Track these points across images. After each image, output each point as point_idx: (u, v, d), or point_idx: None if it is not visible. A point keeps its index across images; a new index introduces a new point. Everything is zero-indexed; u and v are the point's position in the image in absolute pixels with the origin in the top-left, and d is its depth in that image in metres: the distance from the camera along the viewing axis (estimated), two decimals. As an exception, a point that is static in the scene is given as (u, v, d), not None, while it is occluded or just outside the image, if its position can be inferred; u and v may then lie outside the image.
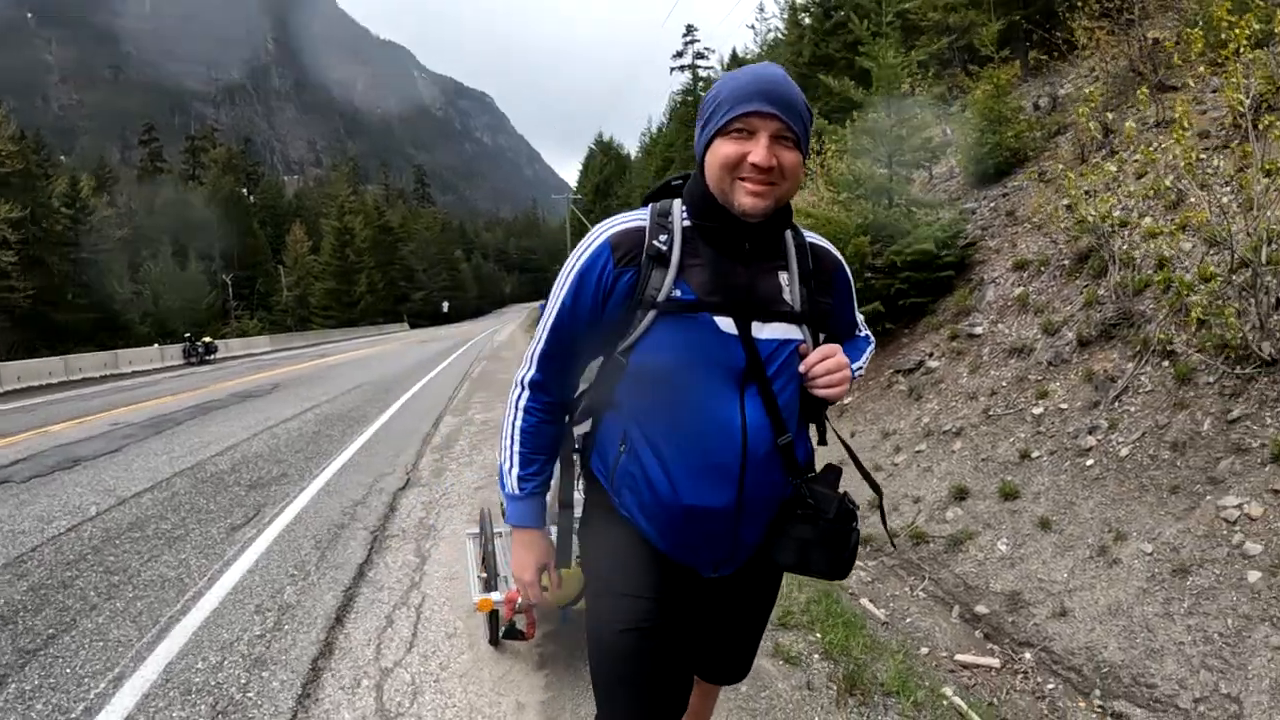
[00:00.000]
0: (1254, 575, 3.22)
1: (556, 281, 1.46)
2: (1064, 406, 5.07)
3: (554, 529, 1.62)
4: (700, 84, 41.17)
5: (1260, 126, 3.98)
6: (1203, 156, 5.24)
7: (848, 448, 1.62)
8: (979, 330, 6.69)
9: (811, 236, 1.54)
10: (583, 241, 1.45)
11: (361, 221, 71.86)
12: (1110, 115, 7.56)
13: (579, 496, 1.62)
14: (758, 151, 1.32)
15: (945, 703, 3.06)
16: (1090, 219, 5.52)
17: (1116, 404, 4.70)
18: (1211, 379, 4.25)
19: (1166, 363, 4.62)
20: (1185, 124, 4.38)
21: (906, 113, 8.66)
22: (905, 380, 7.06)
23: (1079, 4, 9.20)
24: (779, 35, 28.01)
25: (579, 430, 1.57)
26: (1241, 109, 4.41)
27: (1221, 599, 3.24)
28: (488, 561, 3.42)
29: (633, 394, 1.42)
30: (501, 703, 2.97)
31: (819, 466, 1.54)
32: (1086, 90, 8.25)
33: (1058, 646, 3.57)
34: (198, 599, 3.96)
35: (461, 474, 7.04)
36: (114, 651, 3.38)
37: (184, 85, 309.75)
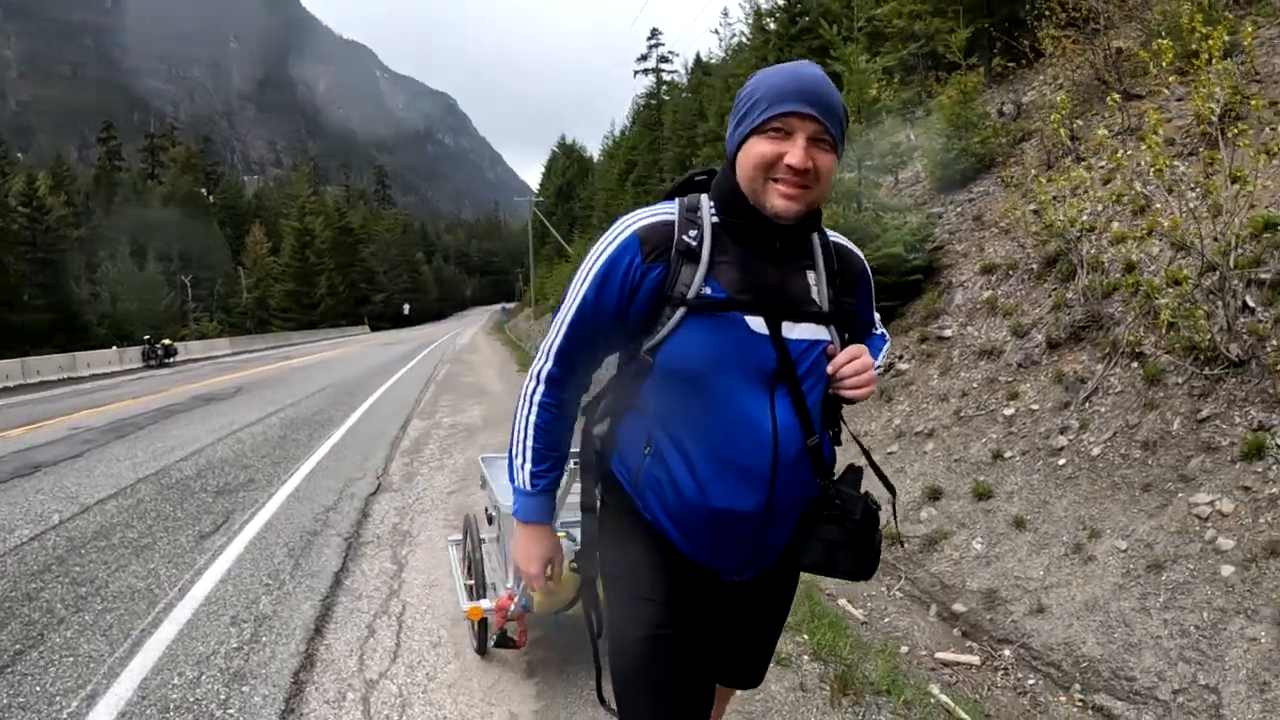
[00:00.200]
0: (1228, 569, 3.31)
1: (577, 273, 1.42)
2: (1035, 407, 5.16)
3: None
4: (664, 88, 41.17)
5: (1230, 134, 4.10)
6: (1170, 163, 5.39)
7: (863, 448, 1.61)
8: (948, 332, 6.78)
9: (835, 236, 1.53)
10: (607, 234, 1.40)
11: (322, 222, 70.97)
12: (1079, 122, 7.74)
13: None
14: (794, 153, 1.29)
15: (932, 701, 3.09)
16: (1059, 224, 5.64)
17: (1087, 405, 4.80)
18: (1180, 380, 4.36)
19: (1136, 364, 4.73)
20: (1157, 131, 4.49)
21: (875, 118, 8.76)
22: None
23: (1046, 13, 9.39)
24: (744, 40, 28.14)
25: (598, 431, 1.54)
26: (1212, 117, 4.54)
27: (1196, 593, 3.32)
28: (474, 569, 3.37)
29: (658, 394, 1.39)
30: (493, 713, 2.92)
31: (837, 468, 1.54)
32: (1055, 98, 8.43)
33: (1036, 643, 3.63)
34: (169, 610, 3.84)
35: (433, 478, 6.95)
36: (85, 667, 3.26)
37: (144, 82, 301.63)
